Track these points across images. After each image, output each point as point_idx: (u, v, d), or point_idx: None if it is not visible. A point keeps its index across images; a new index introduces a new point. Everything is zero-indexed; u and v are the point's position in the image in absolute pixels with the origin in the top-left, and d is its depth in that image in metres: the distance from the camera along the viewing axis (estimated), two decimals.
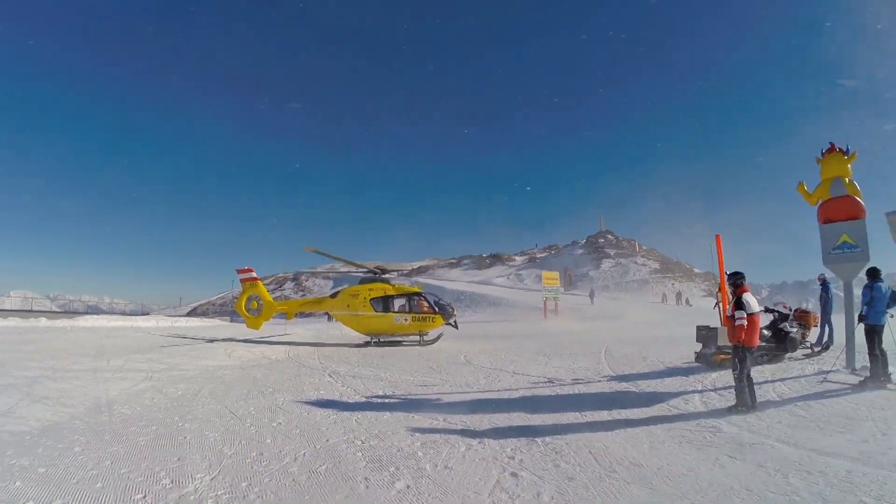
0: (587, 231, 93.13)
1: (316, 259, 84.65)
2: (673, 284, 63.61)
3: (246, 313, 23.69)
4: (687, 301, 51.87)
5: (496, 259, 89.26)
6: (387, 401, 9.85)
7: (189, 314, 57.87)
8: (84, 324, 28.86)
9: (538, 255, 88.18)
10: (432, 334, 21.61)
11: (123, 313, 45.59)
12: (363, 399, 10.09)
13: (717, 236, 12.31)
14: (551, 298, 38.47)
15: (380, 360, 15.81)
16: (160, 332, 26.46)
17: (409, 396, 10.23)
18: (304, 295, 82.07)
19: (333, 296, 23.14)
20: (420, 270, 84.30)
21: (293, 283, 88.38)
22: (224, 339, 22.81)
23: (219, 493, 5.17)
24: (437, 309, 21.29)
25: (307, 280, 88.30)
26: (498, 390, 10.57)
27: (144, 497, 5.09)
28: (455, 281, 71.64)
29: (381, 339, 21.62)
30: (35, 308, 45.58)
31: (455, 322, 22.00)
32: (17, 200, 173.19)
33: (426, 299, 21.47)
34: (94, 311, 44.22)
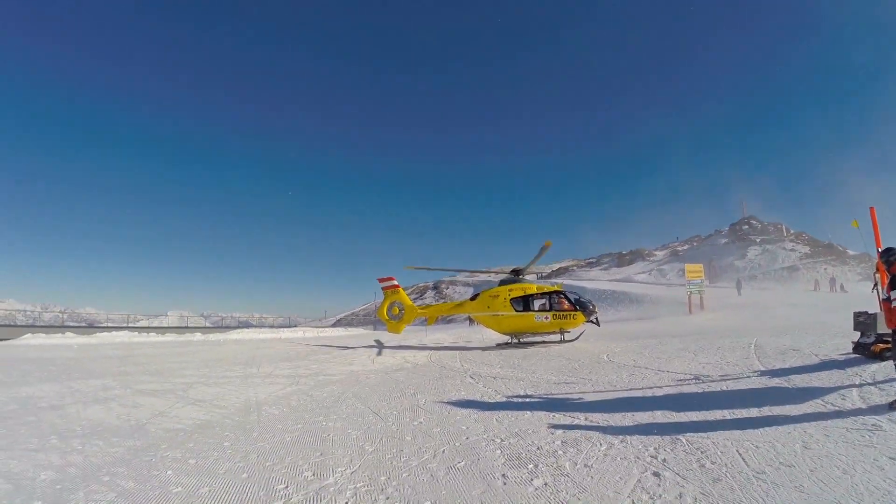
0: (730, 218, 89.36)
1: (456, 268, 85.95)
2: (826, 269, 59.74)
3: (388, 319, 24.41)
4: (842, 287, 48.52)
5: (636, 255, 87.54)
6: (527, 400, 9.97)
7: (334, 325, 60.27)
8: (235, 336, 30.88)
9: (680, 249, 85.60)
10: (574, 332, 21.67)
11: (272, 326, 48.11)
12: (504, 399, 10.25)
13: (872, 209, 11.50)
14: (696, 292, 37.25)
15: (521, 361, 15.92)
16: (307, 342, 27.78)
17: (549, 396, 10.28)
18: (444, 302, 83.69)
19: (473, 298, 23.39)
20: (559, 272, 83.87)
21: (434, 292, 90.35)
22: (367, 346, 23.64)
23: (358, 485, 5.46)
24: (577, 306, 21.25)
25: (447, 288, 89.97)
26: (641, 388, 10.41)
27: (286, 487, 5.48)
28: (595, 280, 70.74)
29: (522, 339, 21.83)
30: (190, 325, 49.04)
31: (597, 319, 21.87)
32: (169, 226, 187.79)
33: (566, 297, 21.46)
34: (245, 325, 47.02)
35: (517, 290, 21.84)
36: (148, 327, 35.60)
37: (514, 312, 21.52)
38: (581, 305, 21.42)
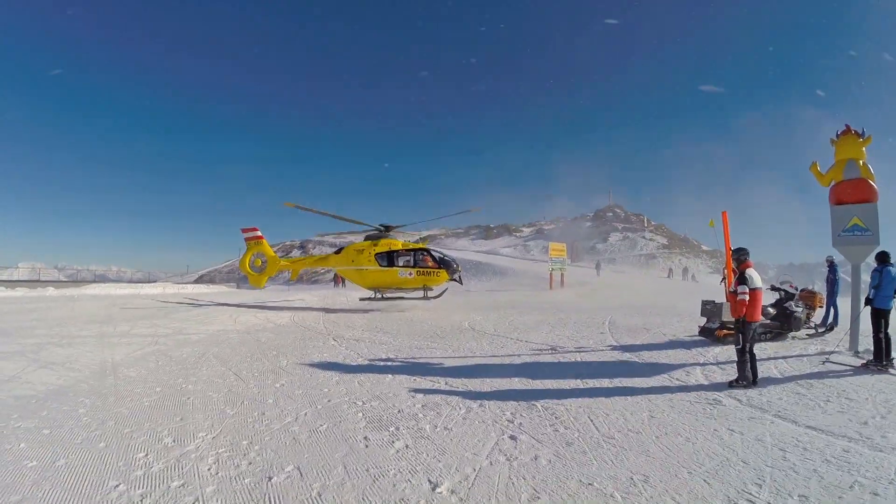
0: (596, 205, 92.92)
1: (325, 225, 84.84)
2: (680, 260, 63.67)
3: (250, 271, 24.07)
4: (693, 277, 51.97)
5: (504, 229, 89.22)
6: (389, 364, 9.95)
7: (196, 281, 58.24)
8: (91, 292, 29.23)
9: (546, 227, 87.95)
10: (437, 290, 21.84)
11: (131, 281, 45.95)
12: (366, 362, 10.20)
13: (724, 213, 12.29)
14: (557, 270, 38.34)
15: (384, 325, 15.92)
16: (167, 299, 26.67)
17: (411, 360, 10.31)
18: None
19: (338, 252, 23.40)
20: (426, 239, 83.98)
21: (300, 251, 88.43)
22: (230, 305, 22.98)
23: (220, 451, 5.23)
24: (441, 265, 21.47)
25: (314, 248, 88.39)
26: (500, 356, 10.65)
27: (146, 455, 5.15)
28: (463, 250, 71.58)
29: (386, 295, 22.00)
30: (43, 278, 45.88)
31: (460, 277, 22.36)
32: (25, 172, 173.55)
33: (431, 255, 21.66)
34: (102, 279, 44.54)
35: (382, 246, 21.89)
36: None
37: (379, 267, 21.59)
38: (445, 264, 21.63)
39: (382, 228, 22.78)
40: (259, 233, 24.40)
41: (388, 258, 21.64)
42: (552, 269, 38.07)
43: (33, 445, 5.50)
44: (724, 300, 11.63)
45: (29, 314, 17.59)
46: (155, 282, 47.02)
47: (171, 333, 14.07)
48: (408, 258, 21.61)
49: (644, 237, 75.01)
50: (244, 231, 24.48)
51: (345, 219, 21.92)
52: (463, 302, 23.43)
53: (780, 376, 8.50)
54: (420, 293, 21.49)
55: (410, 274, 21.26)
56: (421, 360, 10.22)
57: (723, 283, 12.54)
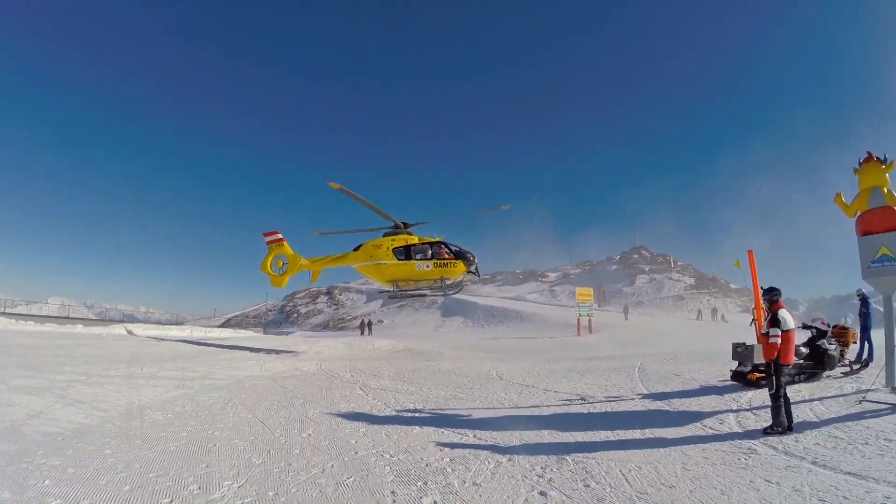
0: (621, 247, 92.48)
1: (349, 274, 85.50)
2: (708, 300, 62.87)
3: (271, 272, 24.56)
4: (723, 317, 51.21)
5: (530, 275, 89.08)
6: (417, 415, 9.85)
7: (223, 325, 58.60)
8: (119, 331, 29.29)
9: (572, 272, 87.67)
10: (456, 285, 22.74)
11: (158, 322, 46.25)
12: (393, 413, 10.10)
13: (750, 252, 12.17)
14: (585, 314, 38.11)
15: (411, 374, 15.79)
16: (194, 342, 26.76)
17: (439, 411, 10.19)
18: (337, 310, 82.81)
19: (357, 249, 23.68)
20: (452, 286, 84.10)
21: (326, 297, 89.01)
22: (257, 350, 23.05)
23: (245, 500, 5.20)
24: (458, 257, 22.05)
25: (340, 294, 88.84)
26: (529, 407, 10.50)
27: (171, 501, 5.14)
28: (488, 297, 71.49)
29: (405, 291, 22.89)
30: (72, 315, 46.35)
31: (476, 269, 22.88)
32: (57, 208, 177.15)
33: (447, 247, 22.27)
34: (130, 319, 44.90)
35: (399, 241, 22.54)
36: (26, 315, 33.18)
37: (396, 261, 22.14)
38: (461, 255, 22.13)
39: (402, 225, 23.19)
40: (280, 235, 24.89)
41: (406, 252, 22.22)
42: (580, 315, 37.92)
43: (58, 484, 5.52)
44: (755, 342, 11.43)
45: (57, 350, 17.62)
46: (182, 324, 47.36)
47: (198, 377, 14.11)
48: (425, 251, 22.17)
49: (671, 278, 74.31)
50: (266, 235, 24.98)
51: (381, 211, 22.22)
52: (490, 349, 23.32)
53: (816, 419, 8.27)
54: (438, 287, 22.28)
55: (427, 266, 21.87)
56: (448, 412, 10.11)
57: (753, 325, 12.23)
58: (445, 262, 21.82)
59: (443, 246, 22.22)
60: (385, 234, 23.26)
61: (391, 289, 22.92)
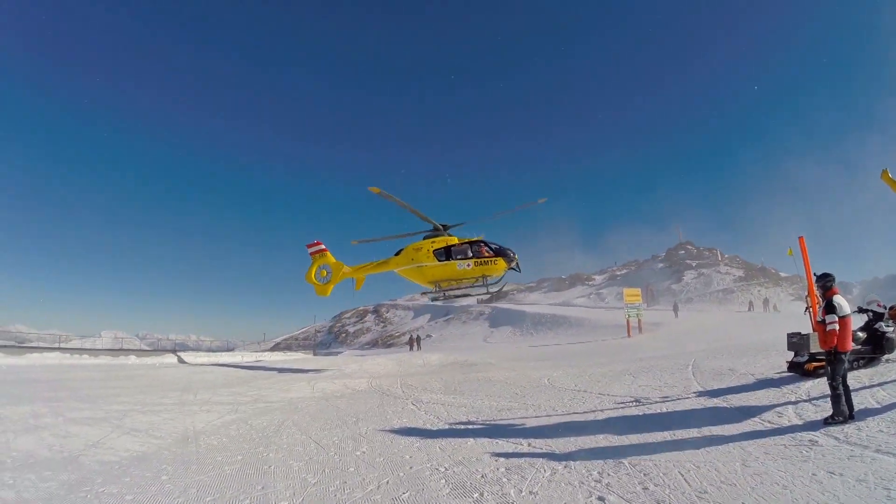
0: (667, 244, 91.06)
1: (396, 291, 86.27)
2: (759, 291, 61.43)
3: (315, 281, 25.02)
4: (775, 307, 50.12)
5: (576, 279, 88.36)
6: (469, 427, 9.84)
7: (272, 349, 59.26)
8: (171, 360, 29.81)
9: (618, 273, 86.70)
10: (498, 284, 22.92)
11: (209, 350, 47.00)
12: (446, 426, 10.10)
13: (801, 238, 11.94)
14: (634, 315, 37.69)
15: (462, 386, 15.76)
16: (245, 367, 27.13)
17: (491, 421, 10.17)
18: (385, 327, 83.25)
19: (398, 253, 23.98)
20: (498, 295, 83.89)
21: (374, 315, 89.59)
22: (307, 371, 23.24)
23: None
24: (498, 254, 22.23)
25: (388, 311, 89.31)
26: (583, 412, 10.39)
27: None
28: (535, 304, 71.15)
29: (447, 292, 23.24)
30: (125, 346, 47.34)
31: (517, 265, 22.81)
32: (110, 243, 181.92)
33: (487, 244, 22.47)
34: (182, 348, 45.64)
35: (440, 242, 22.80)
36: (81, 349, 33.80)
37: (438, 262, 22.47)
38: (501, 253, 22.27)
39: (441, 227, 23.40)
40: (323, 246, 25.30)
41: (446, 253, 22.48)
42: (629, 315, 37.51)
43: None
44: (810, 331, 11.18)
45: (112, 381, 17.97)
46: (233, 350, 48.12)
47: (251, 401, 14.24)
48: (464, 250, 22.44)
49: (719, 272, 72.93)
50: (309, 246, 25.45)
51: (421, 215, 22.75)
52: (540, 357, 23.21)
53: (877, 406, 8.07)
54: (481, 287, 22.55)
55: (468, 265, 22.13)
56: (501, 422, 10.08)
57: (807, 313, 11.91)
58: (486, 259, 22.08)
59: (482, 244, 22.44)
60: (425, 237, 23.55)
61: (434, 289, 23.28)
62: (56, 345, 36.22)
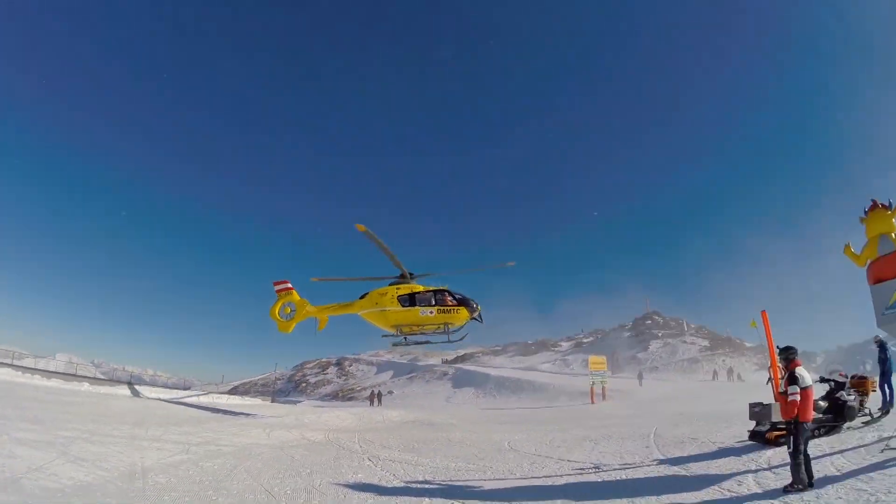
0: (634, 313, 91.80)
1: (360, 345, 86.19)
2: (724, 361, 61.99)
3: (279, 318, 25.22)
4: (738, 376, 50.71)
5: (542, 345, 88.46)
6: (426, 486, 9.67)
7: (230, 392, 58.27)
8: (125, 392, 29.15)
9: (585, 340, 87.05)
10: (458, 333, 23.40)
11: (165, 386, 46.20)
12: (402, 484, 9.92)
13: (763, 312, 12.22)
14: (598, 382, 37.71)
15: (421, 445, 15.51)
16: (200, 407, 26.76)
17: (449, 483, 9.97)
18: (347, 380, 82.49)
19: (362, 297, 24.37)
20: (464, 358, 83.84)
21: (336, 368, 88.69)
22: (263, 418, 22.91)
23: None
24: (461, 304, 22.89)
25: (350, 365, 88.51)
26: (541, 477, 10.29)
27: None
28: (500, 368, 70.97)
29: (409, 338, 23.71)
30: (79, 372, 46.03)
31: (480, 316, 23.39)
32: (76, 264, 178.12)
33: (451, 294, 23.16)
34: (137, 381, 44.59)
35: (404, 289, 23.45)
36: (34, 368, 32.80)
37: (401, 308, 22.95)
38: (464, 302, 22.93)
39: (409, 275, 23.98)
40: (289, 284, 25.52)
41: (410, 299, 23.02)
42: (593, 383, 37.47)
43: None
44: (771, 400, 11.25)
45: (63, 406, 17.46)
46: (189, 388, 47.51)
47: (203, 443, 13.83)
48: (428, 298, 23.06)
49: (685, 341, 73.59)
50: (276, 284, 25.59)
51: (396, 261, 23.42)
52: (502, 420, 22.99)
53: (837, 473, 8.15)
54: (443, 335, 23.00)
55: (431, 312, 22.68)
56: (459, 483, 9.88)
57: (769, 383, 12.17)
58: (448, 308, 22.64)
59: (446, 293, 23.06)
60: (390, 284, 24.01)
61: (395, 333, 23.53)
62: (8, 360, 35.22)
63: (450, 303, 22.77)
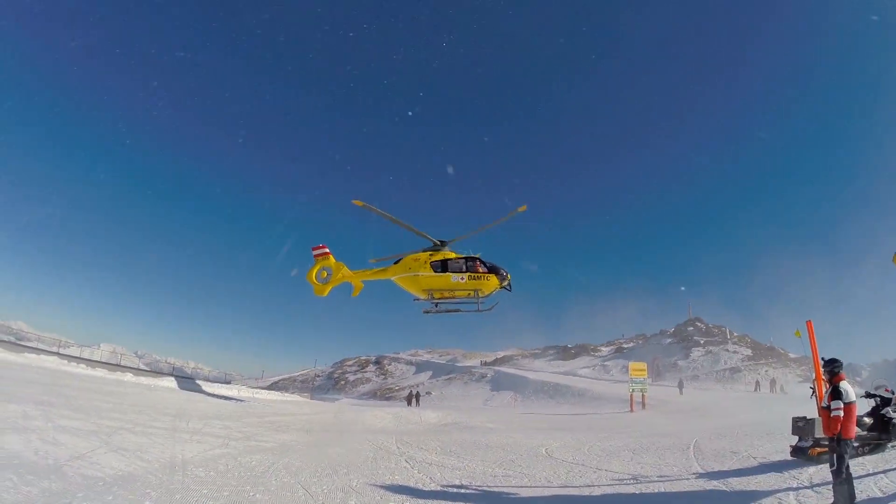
0: (676, 319, 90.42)
1: (399, 344, 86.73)
2: (766, 371, 60.65)
3: (315, 281, 26.04)
4: (781, 388, 49.51)
5: (582, 349, 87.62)
6: (462, 491, 9.70)
7: (269, 387, 58.94)
8: (168, 384, 29.61)
9: (625, 346, 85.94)
10: (487, 302, 24.18)
11: (206, 379, 46.71)
12: (438, 487, 9.95)
13: (809, 322, 11.92)
14: (638, 390, 37.16)
15: (458, 448, 15.51)
16: (240, 401, 27.00)
17: (485, 488, 9.99)
18: (385, 380, 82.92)
19: (396, 262, 25.21)
20: (503, 360, 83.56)
21: (375, 366, 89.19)
22: (302, 415, 23.13)
23: None
24: (491, 271, 23.73)
25: (389, 364, 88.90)
26: (578, 486, 10.20)
27: None
28: (539, 371, 70.59)
29: (441, 304, 24.42)
30: (123, 363, 46.83)
31: (509, 285, 24.21)
32: (122, 254, 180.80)
33: (482, 261, 23.96)
34: (179, 373, 45.21)
35: (437, 255, 24.47)
36: (79, 357, 33.38)
37: (433, 273, 23.78)
38: (494, 270, 23.73)
39: (439, 243, 24.87)
40: (327, 249, 26.33)
41: (443, 265, 23.88)
42: (632, 390, 36.95)
43: None
44: (815, 415, 11.01)
45: (106, 396, 17.78)
46: (229, 383, 47.63)
47: (243, 438, 14.11)
48: (460, 264, 23.90)
49: (727, 350, 72.16)
50: (314, 249, 26.42)
51: (411, 228, 24.42)
52: (540, 425, 22.86)
53: (881, 495, 7.99)
54: (473, 303, 23.82)
55: (462, 278, 23.54)
56: (495, 489, 9.90)
57: (813, 397, 11.78)
58: (479, 275, 23.49)
59: (478, 261, 23.86)
60: (424, 250, 24.91)
61: (426, 299, 24.23)
62: (55, 348, 36.07)
63: (480, 270, 23.53)
